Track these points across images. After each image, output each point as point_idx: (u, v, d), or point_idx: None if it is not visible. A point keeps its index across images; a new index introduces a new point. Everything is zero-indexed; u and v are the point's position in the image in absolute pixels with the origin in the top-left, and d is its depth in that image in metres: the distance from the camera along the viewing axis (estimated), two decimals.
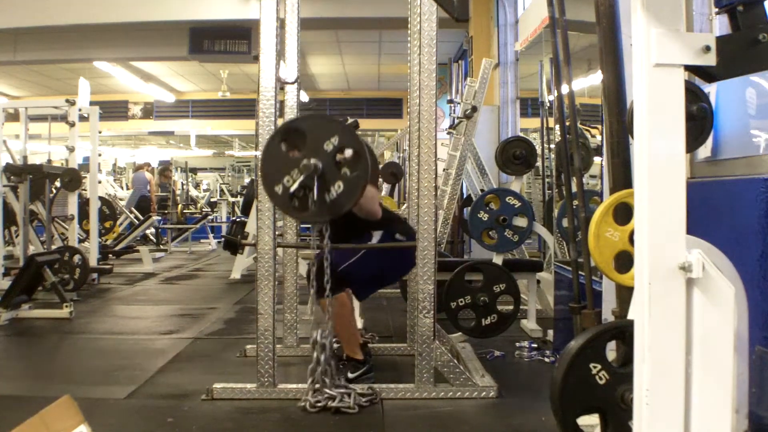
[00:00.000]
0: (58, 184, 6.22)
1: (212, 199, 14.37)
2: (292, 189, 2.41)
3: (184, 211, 11.42)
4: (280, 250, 3.41)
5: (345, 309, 2.98)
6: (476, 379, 2.84)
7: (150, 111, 15.54)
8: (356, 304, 3.38)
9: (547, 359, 3.42)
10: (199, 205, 12.99)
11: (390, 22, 8.02)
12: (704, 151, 2.44)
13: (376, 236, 3.09)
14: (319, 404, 2.57)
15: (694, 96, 1.66)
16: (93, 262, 6.08)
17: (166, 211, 10.98)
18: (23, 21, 8.32)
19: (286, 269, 3.56)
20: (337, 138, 2.43)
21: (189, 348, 3.75)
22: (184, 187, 13.01)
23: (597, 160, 4.83)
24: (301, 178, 2.39)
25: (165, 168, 12.72)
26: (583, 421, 1.49)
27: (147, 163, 12.93)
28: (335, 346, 3.26)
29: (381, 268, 3.12)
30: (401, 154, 8.00)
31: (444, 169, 5.08)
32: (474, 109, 4.90)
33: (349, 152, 2.42)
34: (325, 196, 2.42)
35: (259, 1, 2.78)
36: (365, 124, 12.98)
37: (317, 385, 2.60)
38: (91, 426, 1.67)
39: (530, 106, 8.92)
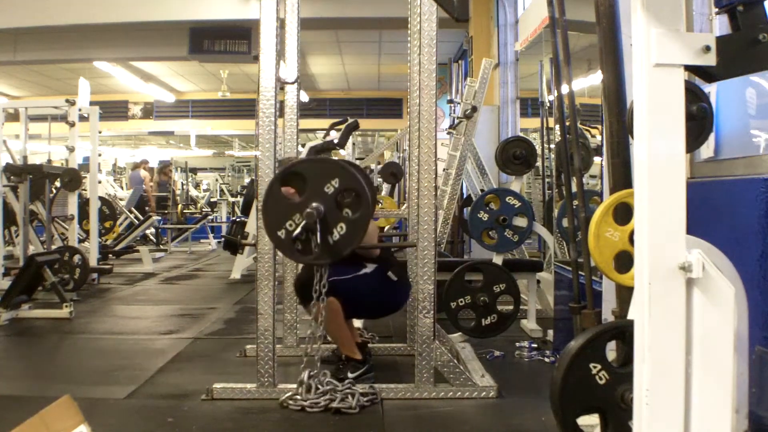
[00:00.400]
0: (58, 184, 6.22)
1: (212, 199, 14.37)
2: (295, 233, 2.41)
3: (184, 211, 11.42)
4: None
5: (334, 314, 2.96)
6: (476, 379, 2.84)
7: (150, 111, 15.54)
8: None
9: (547, 359, 3.42)
10: (199, 205, 12.98)
11: (390, 22, 8.02)
12: (705, 151, 2.44)
13: (370, 267, 3.08)
14: (318, 405, 2.57)
15: (694, 96, 1.66)
16: (93, 262, 6.08)
17: (166, 211, 10.98)
18: (23, 21, 8.32)
19: (286, 269, 3.56)
20: (337, 180, 2.42)
21: (189, 348, 3.75)
22: (184, 187, 13.01)
23: (597, 160, 4.83)
24: (304, 222, 2.39)
25: (165, 166, 12.70)
26: (583, 421, 1.49)
27: (144, 161, 12.90)
28: (333, 346, 3.27)
29: (369, 295, 3.07)
30: (401, 154, 8.00)
31: (444, 169, 5.08)
32: (474, 109, 4.90)
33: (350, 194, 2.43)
34: (327, 239, 2.42)
35: (259, 1, 2.78)
36: (365, 124, 12.99)
37: (309, 386, 2.61)
38: (91, 426, 1.68)
39: (530, 106, 8.91)
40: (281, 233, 2.44)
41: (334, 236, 2.43)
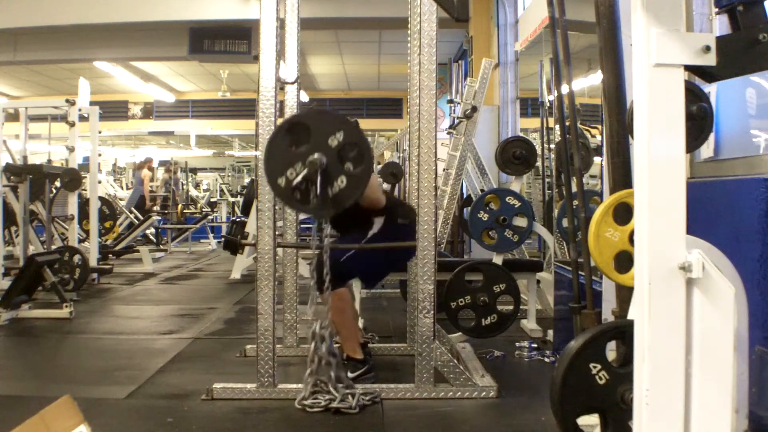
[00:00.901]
0: (58, 184, 6.22)
1: (212, 199, 14.37)
2: (295, 182, 2.42)
3: (184, 211, 11.42)
4: (280, 250, 3.41)
5: (345, 304, 2.98)
6: (476, 379, 2.84)
7: (150, 111, 15.54)
8: (356, 305, 3.39)
9: (547, 359, 3.42)
10: (199, 205, 12.98)
11: (390, 22, 8.02)
12: (705, 151, 2.44)
13: (378, 222, 3.08)
14: (319, 405, 2.57)
15: (694, 96, 1.66)
16: (93, 262, 6.08)
17: (166, 211, 10.98)
18: (23, 21, 8.32)
19: (286, 269, 3.55)
20: (342, 134, 2.44)
21: (189, 348, 3.74)
22: (184, 187, 13.00)
23: (597, 160, 4.83)
24: (305, 171, 2.40)
25: (170, 163, 12.70)
26: (583, 421, 1.49)
27: (149, 159, 12.87)
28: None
29: (384, 255, 3.10)
30: (401, 154, 8.00)
31: (444, 169, 5.08)
32: (474, 109, 4.90)
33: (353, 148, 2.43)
34: (327, 191, 2.43)
35: (259, 1, 2.78)
36: (365, 124, 12.97)
37: (315, 386, 2.61)
38: (91, 426, 1.67)
39: (530, 106, 8.92)
40: (281, 181, 2.45)
41: (334, 189, 2.43)
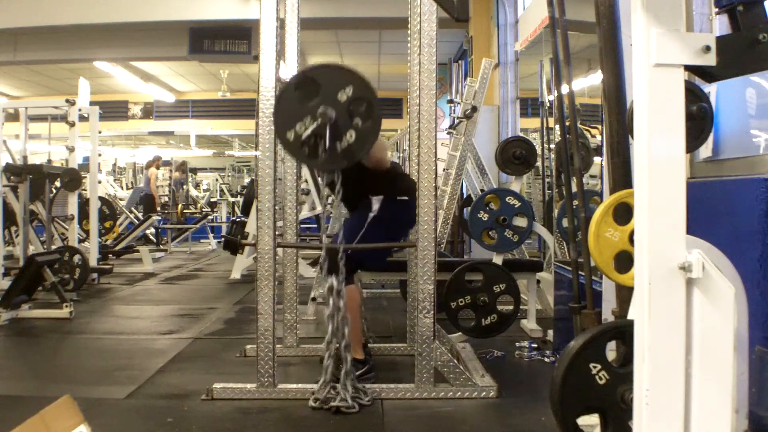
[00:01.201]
0: (58, 184, 6.22)
1: (212, 199, 14.36)
2: (304, 135, 2.43)
3: (184, 211, 11.42)
4: (280, 250, 3.41)
5: (353, 303, 2.99)
6: (476, 379, 2.84)
7: (150, 111, 15.55)
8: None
9: (547, 359, 3.42)
10: (199, 205, 12.98)
11: (390, 22, 8.02)
12: (705, 151, 2.44)
13: (376, 201, 3.07)
14: (331, 402, 2.58)
15: (694, 96, 1.66)
16: (93, 262, 6.08)
17: (166, 211, 10.98)
18: (23, 21, 8.33)
19: (286, 269, 3.55)
20: (351, 88, 2.44)
21: (189, 348, 3.75)
22: (184, 187, 12.98)
23: (597, 160, 4.83)
24: (314, 125, 2.41)
25: (182, 163, 12.71)
26: (583, 421, 1.49)
27: (158, 157, 12.86)
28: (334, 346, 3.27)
29: (387, 231, 3.09)
30: (401, 154, 8.00)
31: (444, 169, 5.08)
32: (474, 109, 4.90)
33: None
34: (336, 145, 2.44)
35: (259, 1, 2.78)
36: None
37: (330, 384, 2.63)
38: (91, 426, 1.67)
39: (530, 106, 8.92)
40: (290, 135, 2.47)
41: (342, 143, 2.45)
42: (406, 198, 3.07)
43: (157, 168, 12.02)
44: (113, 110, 14.32)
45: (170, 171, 11.96)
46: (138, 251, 7.92)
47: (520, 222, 3.98)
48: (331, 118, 2.41)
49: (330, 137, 2.41)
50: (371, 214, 3.07)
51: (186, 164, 12.42)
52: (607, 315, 2.04)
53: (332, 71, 2.59)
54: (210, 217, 11.59)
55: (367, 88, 2.48)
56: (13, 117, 8.32)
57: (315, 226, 8.75)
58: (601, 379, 1.46)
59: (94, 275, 6.18)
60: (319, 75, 2.52)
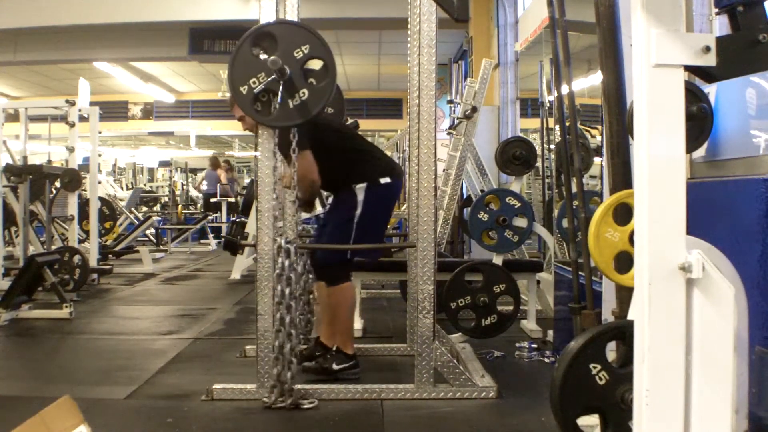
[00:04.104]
0: (58, 184, 6.22)
1: (212, 200, 14.35)
2: (257, 90, 2.43)
3: (184, 211, 11.41)
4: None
5: (347, 300, 3.00)
6: (476, 380, 2.84)
7: (150, 111, 15.55)
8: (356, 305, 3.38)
9: (547, 359, 3.41)
10: (199, 205, 12.97)
11: (390, 23, 8.02)
12: (704, 151, 2.44)
13: (361, 192, 3.02)
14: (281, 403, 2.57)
15: (694, 96, 1.67)
16: (93, 262, 6.08)
17: (167, 211, 10.98)
18: (23, 21, 8.33)
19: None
20: (308, 47, 2.43)
21: (189, 348, 3.74)
22: (184, 187, 12.99)
23: (597, 160, 4.84)
24: (268, 80, 2.40)
25: (227, 161, 12.75)
26: (583, 421, 1.49)
27: (214, 157, 12.87)
28: (315, 335, 3.27)
29: (377, 224, 3.11)
30: (401, 155, 8.00)
31: (444, 170, 5.07)
32: (474, 109, 4.90)
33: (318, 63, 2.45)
34: (288, 102, 2.43)
35: (259, 2, 2.78)
36: (365, 124, 12.98)
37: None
38: (91, 426, 1.67)
39: (530, 106, 8.93)
40: (244, 89, 2.46)
41: (294, 100, 2.44)
42: (389, 179, 3.05)
43: (221, 169, 12.11)
44: (113, 110, 14.32)
45: (170, 171, 11.99)
46: (138, 251, 7.92)
47: (520, 222, 3.98)
48: (283, 72, 2.39)
49: (282, 94, 2.40)
50: (357, 212, 3.02)
51: (231, 162, 12.45)
52: (607, 315, 2.04)
53: (291, 28, 2.57)
54: (210, 218, 11.59)
55: (324, 47, 2.48)
56: (13, 117, 8.33)
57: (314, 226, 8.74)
58: (601, 379, 1.46)
59: (94, 276, 6.18)
60: (277, 30, 2.50)
